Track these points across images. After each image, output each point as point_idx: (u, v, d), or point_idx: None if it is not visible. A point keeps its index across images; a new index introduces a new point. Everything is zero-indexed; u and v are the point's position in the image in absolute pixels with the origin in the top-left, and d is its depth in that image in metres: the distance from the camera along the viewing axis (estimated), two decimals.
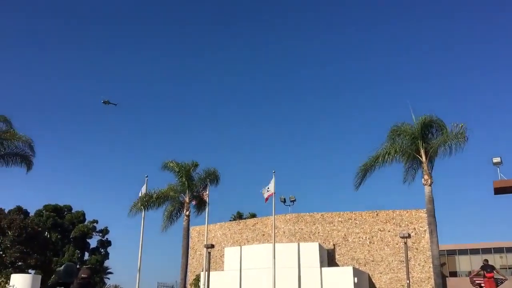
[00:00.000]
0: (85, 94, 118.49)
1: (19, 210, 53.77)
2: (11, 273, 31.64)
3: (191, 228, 37.18)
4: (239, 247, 38.12)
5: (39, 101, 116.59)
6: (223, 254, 39.02)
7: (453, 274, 46.73)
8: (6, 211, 52.10)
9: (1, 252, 48.41)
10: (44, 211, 63.82)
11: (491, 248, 45.99)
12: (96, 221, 67.21)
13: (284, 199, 44.43)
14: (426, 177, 25.21)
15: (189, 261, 35.89)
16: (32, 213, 59.77)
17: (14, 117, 29.74)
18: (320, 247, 36.05)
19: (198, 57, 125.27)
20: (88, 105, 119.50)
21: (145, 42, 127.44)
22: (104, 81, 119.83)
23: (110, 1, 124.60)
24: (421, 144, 25.39)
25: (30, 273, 39.12)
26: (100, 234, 67.78)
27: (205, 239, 38.42)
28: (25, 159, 28.98)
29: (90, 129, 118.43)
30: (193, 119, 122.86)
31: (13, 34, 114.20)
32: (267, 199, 34.31)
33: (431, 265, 27.32)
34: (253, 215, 60.20)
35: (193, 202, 31.55)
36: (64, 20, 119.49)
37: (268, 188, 34.20)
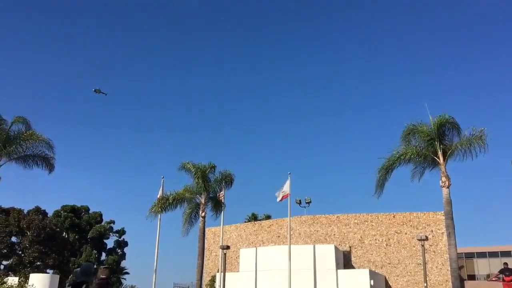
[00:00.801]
0: (101, 95, 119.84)
1: (38, 210, 54.46)
2: (30, 273, 32.10)
3: (206, 229, 37.30)
4: (255, 248, 38.16)
5: (56, 101, 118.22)
6: (239, 256, 39.11)
7: (471, 277, 46.08)
8: (25, 211, 52.91)
9: (20, 252, 49.17)
10: (62, 212, 64.71)
11: (510, 251, 45.23)
12: (113, 222, 67.90)
13: (300, 200, 44.39)
14: (444, 179, 24.83)
15: (205, 262, 36.00)
16: (50, 214, 60.55)
17: (32, 118, 30.01)
18: (336, 249, 35.89)
19: (211, 55, 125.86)
20: (104, 106, 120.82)
21: (165, 42, 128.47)
22: (119, 80, 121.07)
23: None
24: (438, 145, 25.02)
25: (48, 273, 39.61)
26: (117, 235, 68.46)
27: (221, 240, 38.59)
28: (46, 161, 29.34)
29: (106, 129, 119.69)
30: (208, 119, 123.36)
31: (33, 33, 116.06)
32: (282, 199, 34.26)
33: (449, 268, 26.92)
34: (268, 217, 60.21)
35: (210, 205, 31.69)
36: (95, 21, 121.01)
37: (283, 189, 34.18)
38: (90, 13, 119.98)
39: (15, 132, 28.53)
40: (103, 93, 40.29)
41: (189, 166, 31.15)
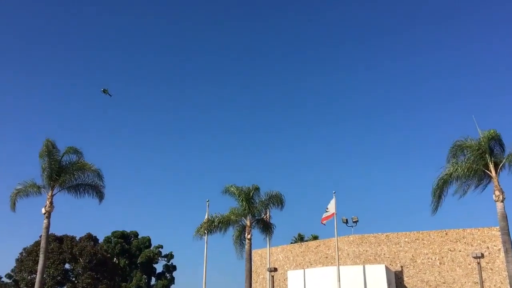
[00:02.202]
0: (147, 124, 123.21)
1: (89, 237, 56.04)
2: None
3: (253, 251, 37.20)
4: (302, 270, 37.64)
5: (104, 129, 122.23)
6: (286, 278, 38.68)
7: None
8: (78, 238, 54.51)
9: (73, 279, 50.57)
10: (112, 238, 66.22)
11: None
12: (161, 246, 68.83)
13: (346, 220, 43.53)
14: (497, 193, 23.95)
15: (253, 285, 35.79)
16: (101, 240, 62.14)
17: (83, 145, 31.10)
18: (387, 269, 34.88)
19: (255, 81, 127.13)
20: (149, 133, 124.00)
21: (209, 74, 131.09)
22: (162, 108, 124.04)
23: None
24: (489, 158, 24.26)
25: None
26: (166, 259, 69.27)
27: (268, 262, 38.30)
28: (96, 190, 30.20)
29: (152, 156, 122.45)
30: (252, 142, 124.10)
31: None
32: (323, 220, 33.75)
33: (509, 287, 25.62)
34: (315, 237, 59.41)
35: (256, 227, 31.56)
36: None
37: (328, 209, 33.71)
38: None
39: (67, 162, 29.59)
40: (109, 94, 41.27)
41: (232, 189, 31.25)
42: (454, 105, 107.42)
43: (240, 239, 31.13)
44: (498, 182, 24.25)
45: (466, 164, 24.80)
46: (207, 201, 35.74)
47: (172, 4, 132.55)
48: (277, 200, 31.79)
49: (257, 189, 31.54)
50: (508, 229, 23.61)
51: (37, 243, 48.14)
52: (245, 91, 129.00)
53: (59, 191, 29.29)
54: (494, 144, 24.97)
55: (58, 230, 53.00)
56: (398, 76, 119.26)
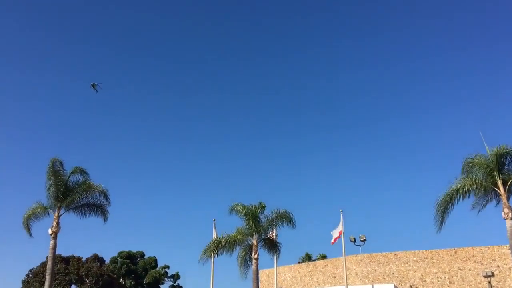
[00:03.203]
0: (154, 145, 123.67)
1: (96, 257, 55.81)
2: None
3: (260, 271, 36.85)
4: None
5: (110, 148, 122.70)
6: None
7: None
8: (84, 259, 54.30)
9: None
10: (118, 258, 65.88)
11: None
12: (168, 267, 68.36)
13: (354, 238, 43.12)
14: (506, 210, 23.63)
15: None
16: (107, 260, 61.84)
17: (88, 164, 31.11)
18: None
19: (263, 98, 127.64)
20: (154, 153, 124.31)
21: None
22: (164, 124, 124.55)
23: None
24: (498, 176, 23.99)
25: None
26: (172, 280, 68.75)
27: (275, 282, 37.89)
28: (101, 210, 30.18)
29: (159, 175, 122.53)
30: (258, 162, 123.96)
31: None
32: (334, 241, 33.45)
33: None
34: (323, 257, 58.77)
35: (262, 246, 31.20)
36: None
37: (338, 229, 33.42)
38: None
39: (74, 183, 29.64)
40: (95, 90, 40.90)
41: (238, 208, 31.01)
42: (470, 119, 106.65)
43: (245, 259, 30.75)
44: (507, 199, 23.95)
45: (474, 181, 24.55)
46: (214, 220, 35.60)
47: (172, 10, 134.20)
48: (285, 218, 31.32)
49: (263, 207, 31.22)
50: None
51: (44, 264, 48.00)
52: (252, 109, 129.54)
53: (65, 211, 29.33)
54: (505, 159, 24.57)
55: (64, 251, 52.90)
56: (405, 85, 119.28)
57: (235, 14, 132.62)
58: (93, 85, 40.20)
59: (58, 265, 48.98)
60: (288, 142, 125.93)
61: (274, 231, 32.50)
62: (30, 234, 29.27)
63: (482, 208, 25.61)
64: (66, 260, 52.26)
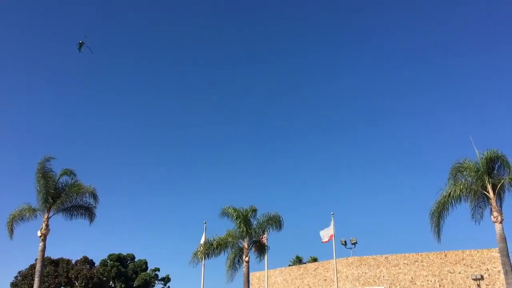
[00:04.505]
0: (148, 143, 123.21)
1: (85, 260, 55.44)
2: None
3: (251, 274, 36.74)
4: None
5: (101, 150, 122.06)
6: None
7: None
8: (74, 261, 53.90)
9: None
10: (108, 261, 65.47)
11: None
12: (158, 269, 68.06)
13: (345, 241, 43.24)
14: (495, 214, 23.85)
15: None
16: (97, 263, 61.45)
17: (77, 166, 30.87)
18: None
19: (251, 102, 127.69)
20: (146, 154, 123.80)
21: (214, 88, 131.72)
22: (159, 130, 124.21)
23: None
24: (487, 179, 24.19)
25: None
26: (162, 282, 68.45)
27: (266, 285, 37.85)
28: (88, 211, 29.98)
29: (149, 177, 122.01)
30: (249, 165, 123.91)
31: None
32: (328, 240, 33.49)
33: None
34: (314, 259, 58.85)
35: (253, 249, 31.18)
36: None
37: (328, 230, 33.47)
38: None
39: (63, 184, 29.42)
40: (80, 50, 39.58)
41: (230, 210, 31.00)
42: (461, 125, 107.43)
43: (234, 262, 30.70)
44: (496, 203, 24.13)
45: (464, 185, 24.70)
46: (205, 223, 35.55)
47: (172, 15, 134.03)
48: (275, 222, 31.45)
49: (254, 210, 31.27)
50: (508, 251, 23.42)
51: (32, 267, 47.54)
52: (242, 111, 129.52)
53: (55, 213, 29.09)
54: (495, 164, 24.76)
55: (53, 253, 52.54)
56: (396, 90, 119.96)
57: (237, 15, 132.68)
58: (80, 44, 38.93)
59: (47, 268, 48.55)
60: (279, 146, 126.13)
61: (265, 234, 32.52)
62: (11, 237, 28.81)
63: (481, 217, 25.64)
64: (56, 263, 51.81)
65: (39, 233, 28.25)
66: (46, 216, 28.55)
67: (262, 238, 32.31)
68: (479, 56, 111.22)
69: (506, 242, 23.56)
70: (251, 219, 31.13)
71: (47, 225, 28.39)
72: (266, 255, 33.01)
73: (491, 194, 24.16)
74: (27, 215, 28.83)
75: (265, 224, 31.37)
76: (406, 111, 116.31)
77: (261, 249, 31.82)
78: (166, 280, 68.04)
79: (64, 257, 53.35)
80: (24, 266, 53.66)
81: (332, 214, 33.54)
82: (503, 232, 23.67)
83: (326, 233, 35.00)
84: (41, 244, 28.23)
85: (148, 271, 66.60)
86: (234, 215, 30.64)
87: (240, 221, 30.39)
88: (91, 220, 30.22)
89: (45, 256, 31.21)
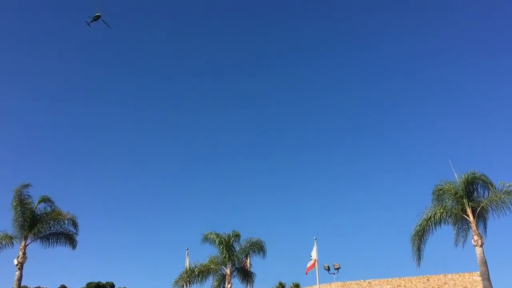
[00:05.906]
0: (122, 170, 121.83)
1: None
2: None
3: None
4: None
5: (78, 174, 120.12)
6: None
7: None
8: None
9: None
10: None
11: None
12: None
13: (328, 266, 42.96)
14: (475, 237, 23.88)
15: None
16: None
17: (54, 193, 30.31)
18: None
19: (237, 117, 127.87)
20: (124, 179, 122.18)
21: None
22: (139, 156, 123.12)
23: None
24: (466, 203, 24.28)
25: None
26: None
27: None
28: (69, 238, 29.46)
29: (129, 203, 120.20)
30: (231, 188, 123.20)
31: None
32: (308, 270, 33.33)
33: None
34: (296, 285, 58.18)
35: (237, 276, 30.76)
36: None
37: (311, 257, 33.29)
38: None
39: (41, 211, 28.89)
40: (87, 22, 38.00)
41: (212, 236, 30.63)
42: (434, 148, 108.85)
43: None
44: (477, 226, 24.18)
45: (445, 208, 24.70)
46: (187, 249, 35.02)
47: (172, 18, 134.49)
48: (257, 247, 31.19)
49: (237, 235, 30.94)
50: (489, 274, 23.44)
51: None
52: (225, 135, 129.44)
53: (32, 241, 28.45)
54: (475, 185, 24.78)
55: (30, 282, 51.04)
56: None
57: (238, 16, 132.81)
58: (95, 18, 37.62)
59: None
60: (258, 168, 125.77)
61: (248, 260, 32.18)
62: None
63: (465, 240, 25.65)
64: None
65: (15, 262, 27.56)
66: (23, 244, 27.91)
67: (245, 264, 31.95)
68: (478, 60, 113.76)
69: (487, 266, 23.59)
70: (234, 244, 30.80)
71: (24, 253, 27.72)
72: (251, 282, 32.32)
73: (471, 218, 24.16)
74: (4, 243, 28.20)
75: (248, 249, 31.06)
76: (390, 126, 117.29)
77: (245, 275, 31.43)
78: None
79: (41, 286, 52.01)
80: None
81: (315, 239, 33.40)
82: (484, 256, 23.70)
83: (309, 262, 34.78)
84: (17, 272, 27.52)
85: None
86: (217, 241, 30.30)
87: (222, 247, 30.06)
88: (74, 247, 29.71)
89: (22, 285, 30.36)
